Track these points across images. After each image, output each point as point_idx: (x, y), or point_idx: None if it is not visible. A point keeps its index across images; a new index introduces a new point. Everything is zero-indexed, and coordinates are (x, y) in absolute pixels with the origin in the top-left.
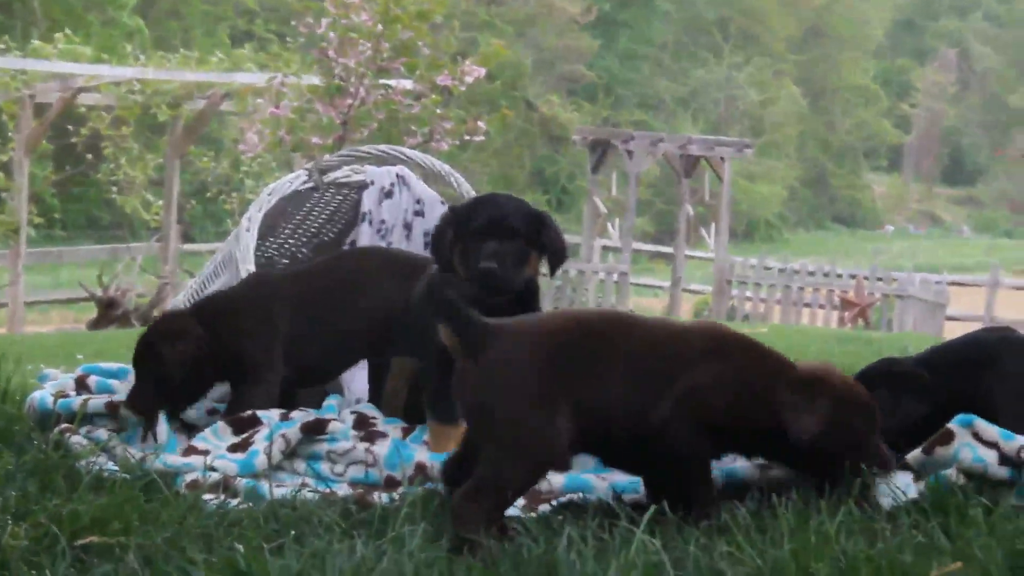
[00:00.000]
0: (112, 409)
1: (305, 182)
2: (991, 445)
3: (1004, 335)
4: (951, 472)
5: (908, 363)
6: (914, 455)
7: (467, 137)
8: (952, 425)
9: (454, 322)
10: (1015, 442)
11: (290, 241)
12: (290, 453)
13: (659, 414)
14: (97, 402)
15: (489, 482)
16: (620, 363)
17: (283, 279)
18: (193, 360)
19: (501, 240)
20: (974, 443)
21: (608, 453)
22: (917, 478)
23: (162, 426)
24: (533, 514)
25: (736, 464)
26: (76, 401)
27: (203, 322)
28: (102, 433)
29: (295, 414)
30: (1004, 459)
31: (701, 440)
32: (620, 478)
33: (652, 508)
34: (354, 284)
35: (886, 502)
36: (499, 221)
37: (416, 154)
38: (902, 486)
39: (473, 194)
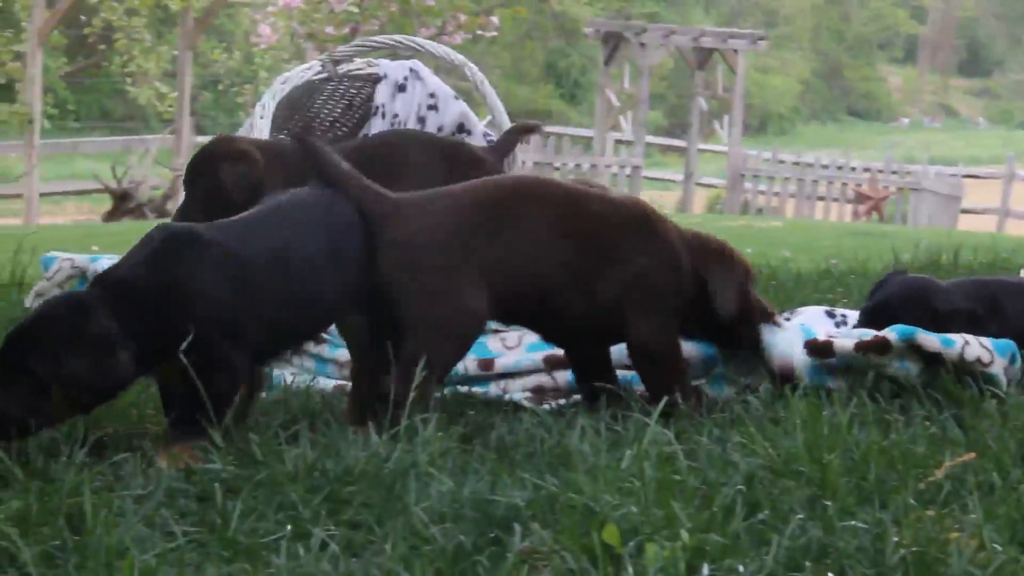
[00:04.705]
0: None
1: (318, 73)
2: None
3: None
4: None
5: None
6: (843, 346)
7: (479, 32)
8: (890, 335)
9: (356, 195)
10: (953, 349)
11: None
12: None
13: (604, 292)
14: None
15: (416, 360)
16: (542, 227)
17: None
18: (250, 186)
19: None
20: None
21: (546, 325)
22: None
23: None
24: (545, 406)
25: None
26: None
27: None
28: None
29: None
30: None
31: (667, 329)
32: (630, 372)
33: (664, 399)
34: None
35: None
36: None
37: (431, 44)
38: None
39: (488, 86)
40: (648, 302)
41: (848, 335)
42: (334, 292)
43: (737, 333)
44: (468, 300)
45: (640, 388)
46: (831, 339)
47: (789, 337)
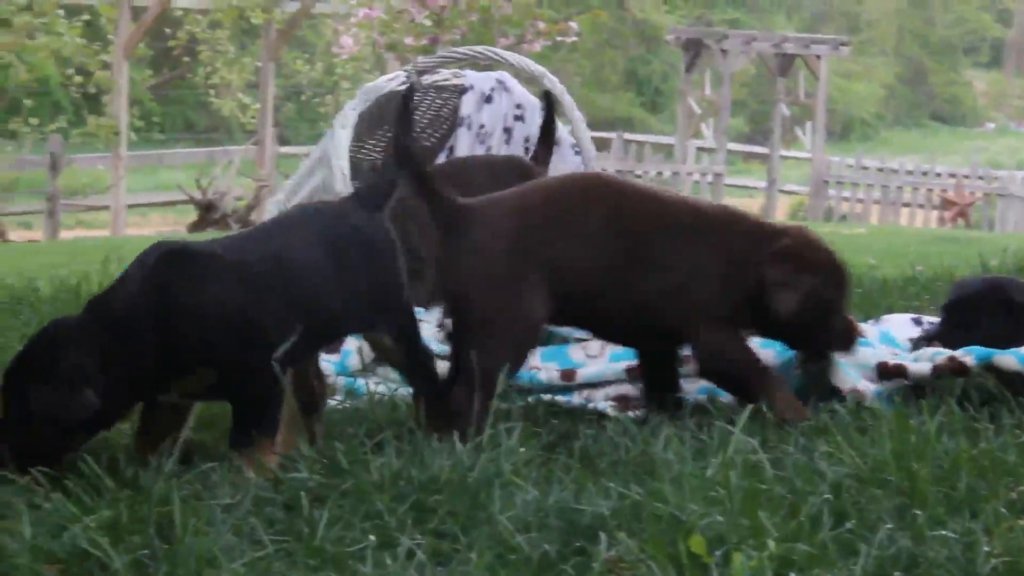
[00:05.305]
0: None
1: (403, 83)
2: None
3: None
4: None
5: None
6: (918, 371)
7: (559, 38)
8: (967, 359)
9: (429, 200)
10: None
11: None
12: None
13: (648, 293)
14: None
15: (481, 370)
16: (596, 226)
17: None
18: None
19: None
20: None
21: (600, 326)
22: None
23: None
24: (629, 414)
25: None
26: None
27: None
28: None
29: None
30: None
31: (730, 335)
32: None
33: (749, 408)
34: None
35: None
36: None
37: (510, 55)
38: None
39: (567, 97)
40: (698, 311)
41: (921, 357)
42: (341, 297)
43: (804, 338)
44: (527, 309)
45: (724, 397)
46: (904, 364)
47: (857, 364)
